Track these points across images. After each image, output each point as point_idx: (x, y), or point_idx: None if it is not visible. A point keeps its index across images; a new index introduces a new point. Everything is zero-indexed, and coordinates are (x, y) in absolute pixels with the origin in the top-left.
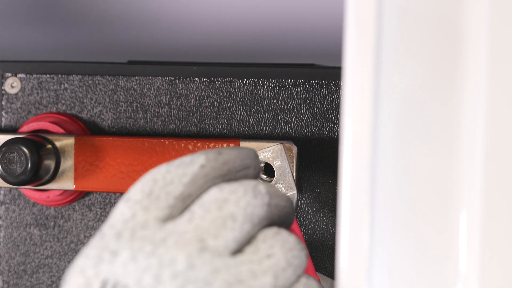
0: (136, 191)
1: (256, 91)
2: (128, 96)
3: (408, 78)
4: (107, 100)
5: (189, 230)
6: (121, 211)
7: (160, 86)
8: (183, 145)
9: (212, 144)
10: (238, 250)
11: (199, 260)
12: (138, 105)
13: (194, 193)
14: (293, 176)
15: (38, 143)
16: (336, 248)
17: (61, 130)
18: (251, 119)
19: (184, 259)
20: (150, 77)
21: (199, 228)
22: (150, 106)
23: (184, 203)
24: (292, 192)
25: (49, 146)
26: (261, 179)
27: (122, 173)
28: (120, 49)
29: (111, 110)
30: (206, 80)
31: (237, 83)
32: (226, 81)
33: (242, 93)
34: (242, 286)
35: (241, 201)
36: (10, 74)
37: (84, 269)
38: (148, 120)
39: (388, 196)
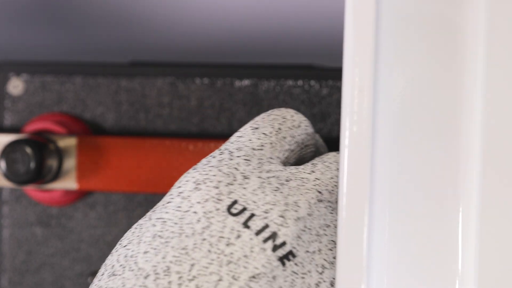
0: (266, 125)
1: (257, 92)
2: (130, 96)
3: (406, 79)
4: (109, 100)
5: (310, 179)
6: (250, 138)
7: (162, 87)
8: (184, 145)
9: (213, 144)
10: None
11: (316, 209)
12: (140, 105)
13: (310, 148)
14: None
15: (41, 143)
16: (336, 246)
17: (63, 130)
18: (252, 120)
19: (305, 205)
20: (151, 78)
21: (319, 180)
22: (152, 106)
23: (300, 153)
24: None
25: (52, 146)
26: None
27: (124, 173)
28: (123, 48)
29: (113, 110)
30: (207, 81)
31: (237, 84)
32: (227, 82)
33: (243, 94)
34: None
35: None
36: (13, 75)
37: (219, 183)
38: (150, 120)
39: (387, 195)
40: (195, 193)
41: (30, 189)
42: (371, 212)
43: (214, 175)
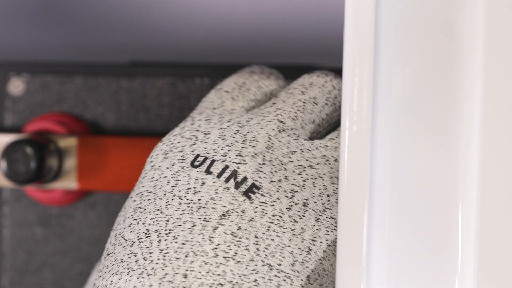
0: (230, 83)
1: None
2: (130, 97)
3: (406, 79)
4: (110, 100)
5: (271, 111)
6: (212, 100)
7: (162, 87)
8: None
9: None
10: (320, 133)
11: (277, 140)
12: (140, 105)
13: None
14: None
15: (41, 143)
16: (336, 246)
17: (64, 130)
18: None
19: (264, 138)
20: (151, 78)
21: (280, 110)
22: (152, 106)
23: (269, 99)
24: None
25: (52, 146)
26: None
27: (124, 172)
28: (123, 48)
29: (114, 110)
30: (207, 81)
31: None
32: None
33: None
34: (313, 171)
35: (327, 85)
36: (13, 75)
37: (184, 147)
38: (150, 120)
39: (386, 195)
40: (164, 162)
41: (31, 189)
42: (371, 212)
43: (178, 142)
